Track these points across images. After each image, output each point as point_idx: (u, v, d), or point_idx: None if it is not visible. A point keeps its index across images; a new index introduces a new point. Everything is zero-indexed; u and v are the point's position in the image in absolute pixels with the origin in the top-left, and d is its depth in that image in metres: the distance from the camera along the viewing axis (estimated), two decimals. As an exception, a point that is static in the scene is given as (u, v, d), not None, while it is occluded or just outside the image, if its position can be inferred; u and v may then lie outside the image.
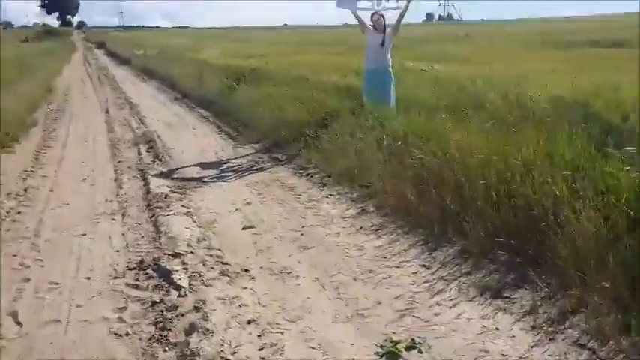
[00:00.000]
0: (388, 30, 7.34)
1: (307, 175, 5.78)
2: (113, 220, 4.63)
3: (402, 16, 7.35)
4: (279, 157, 6.62)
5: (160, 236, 4.17)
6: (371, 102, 7.31)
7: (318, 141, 6.67)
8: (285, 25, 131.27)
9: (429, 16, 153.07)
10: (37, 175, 6.06)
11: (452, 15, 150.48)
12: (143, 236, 4.23)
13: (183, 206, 4.87)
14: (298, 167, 6.09)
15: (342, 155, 5.96)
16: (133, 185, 5.65)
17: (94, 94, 14.16)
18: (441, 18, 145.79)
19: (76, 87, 15.95)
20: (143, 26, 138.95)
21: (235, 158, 6.79)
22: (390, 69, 7.53)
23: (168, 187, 5.50)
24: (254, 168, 6.25)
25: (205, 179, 5.79)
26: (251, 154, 6.95)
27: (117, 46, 37.85)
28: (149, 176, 5.91)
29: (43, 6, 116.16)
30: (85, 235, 4.28)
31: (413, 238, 3.90)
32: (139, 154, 7.06)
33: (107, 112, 10.83)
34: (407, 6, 7.31)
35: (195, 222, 4.48)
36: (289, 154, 6.65)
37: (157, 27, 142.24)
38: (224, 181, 5.71)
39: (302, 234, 4.16)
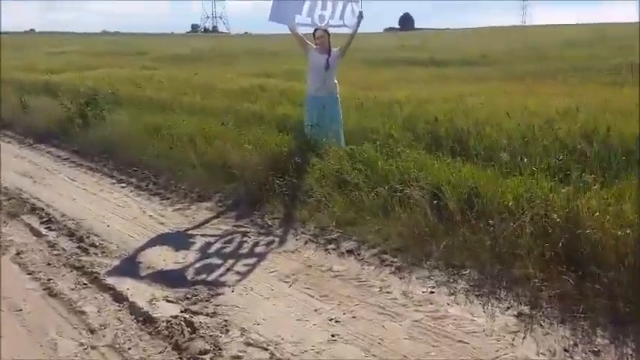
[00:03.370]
0: (334, 50, 6.16)
1: (347, 252, 4.16)
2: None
3: (352, 36, 6.24)
4: (268, 222, 4.81)
5: None
6: (315, 133, 6.04)
7: (304, 194, 5.11)
8: (33, 30, 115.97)
9: (194, 27, 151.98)
10: None
11: (217, 28, 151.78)
12: None
13: (249, 344, 2.94)
14: (316, 238, 4.41)
15: (368, 215, 4.53)
16: (99, 305, 3.38)
17: None
18: (206, 30, 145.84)
19: None
20: None
21: (198, 227, 4.76)
22: (338, 95, 6.36)
23: (168, 300, 3.41)
24: (252, 244, 4.36)
25: (208, 276, 3.79)
26: (214, 219, 4.97)
27: None
28: (110, 281, 3.67)
29: None
30: None
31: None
32: (38, 235, 4.53)
33: None
34: (358, 25, 6.21)
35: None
36: (275, 216, 4.89)
37: None
38: (241, 276, 3.79)
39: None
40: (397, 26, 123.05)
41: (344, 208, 4.72)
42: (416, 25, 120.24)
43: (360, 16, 6.10)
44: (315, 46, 6.16)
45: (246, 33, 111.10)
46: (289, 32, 6.18)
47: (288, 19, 6.07)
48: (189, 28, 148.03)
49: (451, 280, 3.67)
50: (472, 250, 3.88)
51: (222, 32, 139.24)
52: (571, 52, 22.79)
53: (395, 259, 3.99)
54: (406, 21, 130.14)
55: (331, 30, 6.19)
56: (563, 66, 16.17)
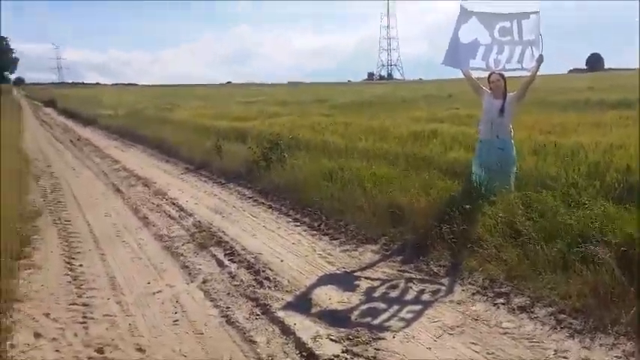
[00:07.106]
0: (510, 94, 5.86)
1: (519, 308, 3.88)
2: None
3: (530, 81, 5.87)
4: (433, 268, 4.71)
5: None
6: (485, 179, 5.75)
7: (473, 242, 4.91)
8: (230, 82, 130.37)
9: (370, 75, 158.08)
10: (101, 319, 3.91)
11: (392, 75, 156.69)
12: None
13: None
14: (485, 290, 4.20)
15: (544, 270, 4.19)
16: (268, 336, 3.60)
17: (81, 164, 11.85)
18: (381, 77, 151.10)
19: (52, 155, 13.54)
20: (83, 83, 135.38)
21: (364, 269, 4.84)
22: (512, 141, 6.02)
23: (331, 339, 3.50)
24: (417, 291, 4.31)
25: (372, 320, 3.82)
26: (379, 262, 5.01)
27: (68, 104, 35.26)
28: (280, 314, 3.89)
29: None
30: None
31: None
32: (222, 265, 5.00)
33: (119, 190, 8.63)
34: (537, 69, 5.84)
35: None
36: (442, 264, 4.76)
37: (97, 83, 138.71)
38: (404, 323, 3.76)
39: None
40: (584, 67, 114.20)
41: (516, 261, 4.45)
42: (606, 66, 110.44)
43: (541, 60, 5.81)
44: (489, 91, 6.00)
45: (420, 79, 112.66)
46: (462, 76, 6.14)
47: (463, 64, 6.00)
48: (365, 76, 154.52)
49: (642, 352, 3.22)
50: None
51: (397, 79, 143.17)
52: None
53: (574, 321, 3.64)
54: (595, 61, 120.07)
55: (507, 74, 6.00)
56: None
